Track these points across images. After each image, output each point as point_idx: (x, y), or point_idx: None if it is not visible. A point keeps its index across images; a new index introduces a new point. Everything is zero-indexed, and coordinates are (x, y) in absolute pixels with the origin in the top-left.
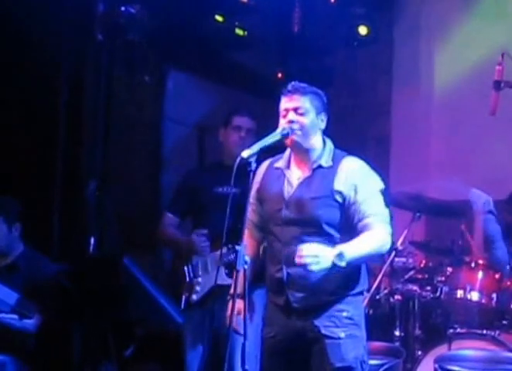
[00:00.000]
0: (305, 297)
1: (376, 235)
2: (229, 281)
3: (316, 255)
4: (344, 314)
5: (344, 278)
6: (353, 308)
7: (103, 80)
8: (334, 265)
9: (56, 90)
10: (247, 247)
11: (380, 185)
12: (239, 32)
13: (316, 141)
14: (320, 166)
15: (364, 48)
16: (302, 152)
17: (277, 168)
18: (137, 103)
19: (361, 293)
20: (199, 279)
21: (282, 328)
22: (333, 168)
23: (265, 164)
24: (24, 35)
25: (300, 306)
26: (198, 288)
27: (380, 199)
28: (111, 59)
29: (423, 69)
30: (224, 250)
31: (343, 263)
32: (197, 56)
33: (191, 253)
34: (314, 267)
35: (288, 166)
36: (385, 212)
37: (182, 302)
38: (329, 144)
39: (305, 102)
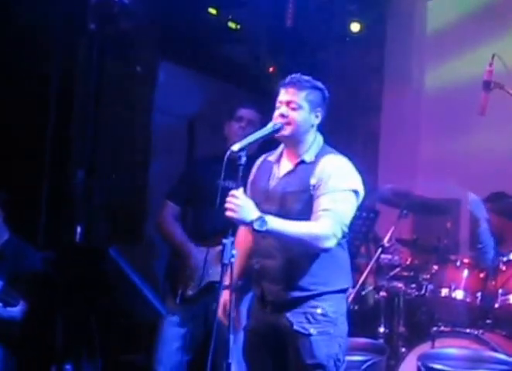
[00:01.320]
0: (279, 290)
1: (315, 226)
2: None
3: (240, 205)
4: (318, 310)
5: (322, 275)
6: (328, 305)
7: (94, 70)
8: (251, 225)
9: (46, 79)
10: (241, 240)
11: (351, 185)
12: (232, 25)
13: (308, 136)
14: (303, 161)
15: (356, 44)
16: (292, 146)
17: (269, 162)
18: (128, 93)
19: (342, 291)
20: (194, 275)
21: (259, 322)
22: (314, 164)
23: (261, 158)
24: (15, 24)
25: (274, 299)
26: (193, 284)
27: (342, 198)
28: (103, 49)
29: (414, 67)
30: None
31: (260, 228)
32: (189, 48)
33: (186, 261)
34: (229, 213)
35: (278, 160)
36: (342, 212)
37: (178, 296)
38: (319, 140)
39: (299, 97)
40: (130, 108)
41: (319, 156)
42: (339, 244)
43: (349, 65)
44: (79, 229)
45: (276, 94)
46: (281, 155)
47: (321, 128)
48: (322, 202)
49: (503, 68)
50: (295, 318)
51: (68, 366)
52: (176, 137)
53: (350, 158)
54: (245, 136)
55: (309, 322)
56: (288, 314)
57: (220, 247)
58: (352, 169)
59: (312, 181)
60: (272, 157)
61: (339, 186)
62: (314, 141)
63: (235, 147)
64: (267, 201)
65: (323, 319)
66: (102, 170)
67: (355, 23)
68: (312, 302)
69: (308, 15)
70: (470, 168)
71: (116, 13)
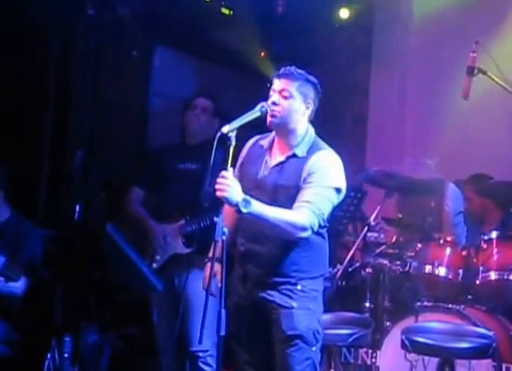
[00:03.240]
0: (260, 274)
1: (294, 214)
2: (186, 250)
3: (229, 185)
4: (298, 287)
5: (303, 263)
6: (307, 284)
7: (92, 54)
8: (236, 206)
9: (45, 64)
10: (226, 217)
11: (335, 183)
12: (225, 11)
13: (298, 127)
14: (295, 155)
15: (345, 30)
16: (284, 136)
17: (261, 147)
18: (124, 77)
19: (320, 276)
20: (159, 249)
21: (240, 298)
22: (305, 159)
23: (253, 139)
24: (15, 9)
25: (256, 281)
26: (158, 257)
27: (323, 193)
28: (101, 34)
29: (400, 53)
30: (182, 221)
31: (244, 210)
32: (184, 33)
33: (151, 237)
34: (218, 193)
35: (270, 147)
36: (321, 206)
37: None
38: (311, 133)
39: (291, 86)
40: (126, 91)
41: (310, 151)
42: (319, 234)
43: (338, 50)
44: (77, 208)
45: (267, 78)
46: (273, 142)
47: (314, 122)
48: (304, 194)
49: (486, 54)
50: (277, 294)
51: (67, 339)
52: (172, 121)
53: (339, 148)
54: (199, 122)
55: (290, 297)
56: (270, 291)
57: (179, 222)
58: (339, 167)
59: (303, 175)
60: (265, 142)
61: (323, 182)
62: (306, 133)
63: (225, 129)
64: (257, 189)
65: (303, 295)
66: (100, 151)
67: (344, 9)
68: (293, 283)
69: (299, 1)
70: (454, 150)
71: (113, 0)
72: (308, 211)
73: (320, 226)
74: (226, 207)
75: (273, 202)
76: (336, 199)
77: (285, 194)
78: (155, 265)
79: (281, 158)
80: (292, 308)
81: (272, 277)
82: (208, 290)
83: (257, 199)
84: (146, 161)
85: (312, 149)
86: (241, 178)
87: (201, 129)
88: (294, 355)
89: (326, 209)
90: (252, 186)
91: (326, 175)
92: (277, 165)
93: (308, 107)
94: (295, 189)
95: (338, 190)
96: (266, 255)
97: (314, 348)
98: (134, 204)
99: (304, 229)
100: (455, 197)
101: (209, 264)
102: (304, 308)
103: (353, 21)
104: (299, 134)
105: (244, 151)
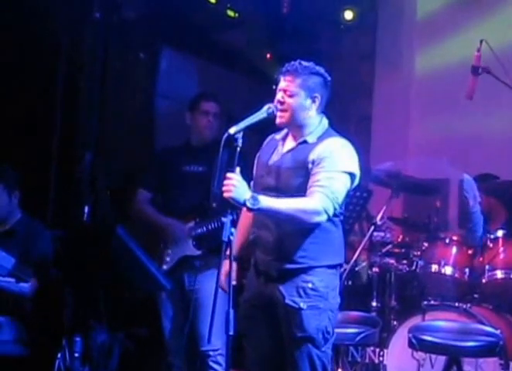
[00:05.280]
0: (270, 260)
1: (308, 201)
2: (197, 252)
3: (235, 186)
4: (309, 285)
5: (312, 249)
6: (319, 280)
7: (99, 57)
8: (244, 204)
9: (53, 67)
10: (244, 219)
11: (348, 168)
12: (230, 13)
13: (308, 121)
14: (305, 141)
15: (349, 31)
16: (295, 130)
17: (275, 139)
18: (131, 79)
19: (334, 266)
20: (169, 250)
21: (254, 293)
22: (314, 144)
23: (270, 136)
24: (23, 13)
25: (265, 269)
26: (168, 259)
27: (336, 177)
28: (107, 37)
29: (404, 53)
30: (192, 223)
31: (253, 207)
32: (190, 36)
33: (167, 236)
34: (226, 194)
35: (284, 138)
36: (335, 190)
37: None
38: (324, 123)
39: (294, 84)
40: (133, 93)
41: (321, 138)
42: (332, 222)
43: (343, 51)
44: (86, 209)
45: (272, 80)
46: (287, 135)
47: (326, 113)
48: (317, 178)
49: (491, 53)
50: (287, 292)
51: (78, 338)
52: (178, 122)
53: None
54: (213, 129)
55: (300, 296)
56: (281, 287)
57: (189, 225)
58: (352, 152)
59: (311, 157)
60: (279, 135)
61: (336, 166)
62: (319, 124)
63: (232, 130)
64: (267, 175)
65: (313, 293)
66: (107, 154)
67: (348, 11)
68: (304, 276)
69: (304, 3)
70: (458, 150)
71: (119, 3)
72: (322, 195)
73: (335, 210)
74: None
75: (280, 184)
76: (349, 184)
77: (291, 175)
78: (165, 267)
79: (293, 145)
80: (300, 309)
81: (279, 263)
82: (223, 286)
83: (267, 183)
84: (151, 163)
85: (323, 136)
86: (256, 169)
87: (211, 134)
88: (302, 357)
89: (340, 193)
90: (264, 172)
91: (338, 160)
92: (288, 152)
93: (314, 101)
94: (302, 170)
95: (351, 174)
96: (273, 241)
97: (323, 349)
98: (142, 203)
99: (318, 212)
100: (471, 187)
101: (224, 262)
102: (313, 308)
103: (358, 22)
104: (311, 125)
105: (262, 147)
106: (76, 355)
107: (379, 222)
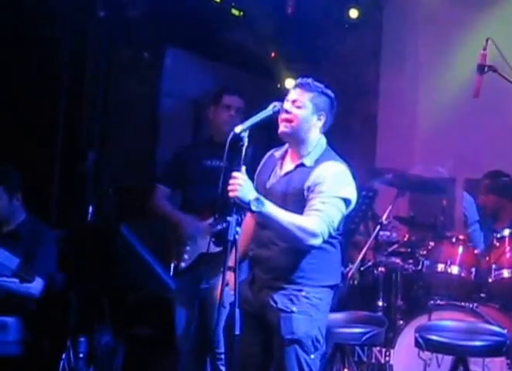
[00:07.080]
0: (268, 279)
1: (305, 220)
2: (216, 250)
3: (240, 185)
4: (303, 293)
5: (311, 271)
6: (314, 292)
7: (103, 56)
8: (248, 205)
9: (57, 66)
10: (247, 226)
11: (344, 194)
12: (235, 12)
13: (309, 137)
14: (303, 164)
15: (354, 30)
16: (295, 146)
17: (274, 157)
18: (135, 78)
19: (329, 287)
20: (188, 247)
21: (248, 303)
22: (312, 168)
23: (270, 152)
24: (29, 12)
25: (263, 286)
26: (186, 256)
27: (332, 202)
28: (112, 35)
29: (409, 51)
30: (211, 220)
31: (255, 208)
32: (195, 34)
33: (185, 233)
34: (231, 193)
35: (283, 157)
36: (331, 214)
37: (171, 269)
38: (322, 143)
39: (305, 97)
40: (138, 92)
41: (318, 161)
42: (331, 243)
43: (348, 49)
44: (91, 209)
45: (278, 78)
46: (286, 153)
47: (328, 136)
48: (313, 203)
49: (497, 51)
50: (280, 299)
51: (82, 339)
52: (183, 121)
53: (348, 147)
54: (234, 124)
55: (292, 302)
56: (274, 295)
57: (208, 221)
58: (348, 178)
59: (306, 184)
60: (278, 153)
61: (332, 192)
62: (317, 144)
63: (237, 129)
64: (266, 197)
65: (306, 301)
66: (111, 153)
67: (353, 9)
68: (298, 287)
69: (309, 1)
70: (466, 149)
71: (124, 1)
72: (318, 218)
73: (330, 234)
74: (245, 223)
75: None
76: (344, 209)
77: (293, 202)
78: (183, 264)
79: (291, 167)
80: (292, 312)
81: (277, 282)
82: (220, 301)
83: None
84: (171, 159)
85: (321, 159)
86: (256, 187)
87: (232, 129)
88: (290, 360)
89: (336, 218)
90: (262, 193)
91: (334, 185)
92: (286, 174)
93: (320, 119)
94: (301, 197)
95: (346, 200)
96: (272, 260)
97: (312, 356)
98: (161, 202)
99: (314, 235)
100: (470, 206)
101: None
102: (304, 314)
103: (363, 20)
104: (310, 144)
105: (262, 162)
106: (81, 355)
107: (385, 222)
